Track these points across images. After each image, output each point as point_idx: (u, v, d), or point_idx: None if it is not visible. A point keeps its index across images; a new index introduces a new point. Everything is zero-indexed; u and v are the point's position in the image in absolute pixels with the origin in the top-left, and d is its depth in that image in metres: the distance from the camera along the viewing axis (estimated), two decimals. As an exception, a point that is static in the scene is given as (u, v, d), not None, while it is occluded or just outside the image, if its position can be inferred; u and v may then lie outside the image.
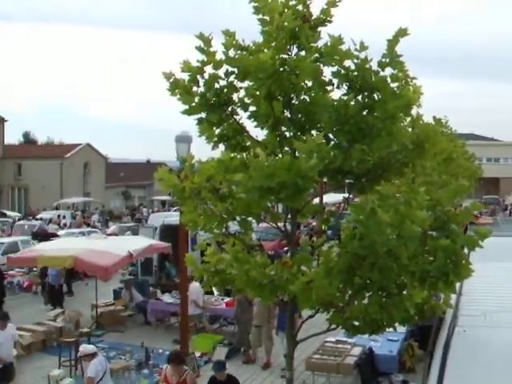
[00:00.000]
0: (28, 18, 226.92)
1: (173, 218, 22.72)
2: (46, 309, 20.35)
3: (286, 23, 6.88)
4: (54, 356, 15.02)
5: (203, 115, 7.37)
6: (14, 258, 19.26)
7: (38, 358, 15.43)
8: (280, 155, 7.25)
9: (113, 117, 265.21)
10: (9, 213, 54.31)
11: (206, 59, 7.20)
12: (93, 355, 10.53)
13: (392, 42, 6.91)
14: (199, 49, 7.16)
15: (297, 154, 6.89)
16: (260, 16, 7.11)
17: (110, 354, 15.35)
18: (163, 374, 9.66)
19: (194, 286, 16.49)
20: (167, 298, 18.34)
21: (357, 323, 7.33)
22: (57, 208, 54.89)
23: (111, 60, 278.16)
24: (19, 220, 45.64)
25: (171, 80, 7.24)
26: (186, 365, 9.83)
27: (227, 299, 17.29)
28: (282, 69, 6.97)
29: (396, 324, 7.40)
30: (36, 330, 16.56)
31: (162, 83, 7.20)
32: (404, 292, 7.06)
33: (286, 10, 6.99)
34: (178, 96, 7.25)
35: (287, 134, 7.43)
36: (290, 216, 7.72)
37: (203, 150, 8.20)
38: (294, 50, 7.15)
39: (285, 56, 7.05)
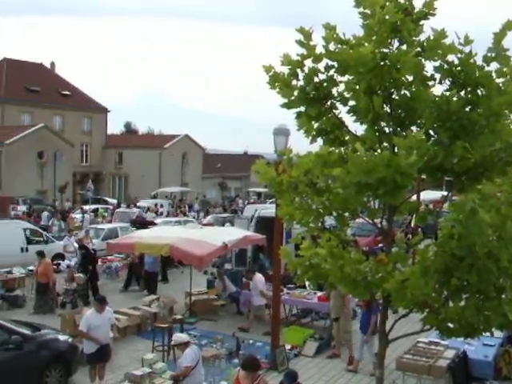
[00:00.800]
0: (141, 12, 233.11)
1: (268, 210, 22.85)
2: (142, 294, 20.92)
3: (387, 16, 6.77)
4: (147, 340, 15.43)
5: (302, 109, 7.36)
6: (113, 243, 19.95)
7: (133, 341, 15.90)
8: (379, 151, 7.15)
9: (211, 108, 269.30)
10: (110, 200, 56.30)
11: (305, 53, 7.18)
12: (185, 344, 10.70)
13: (499, 36, 6.66)
14: (299, 42, 7.15)
15: (396, 149, 6.78)
16: (361, 9, 7.03)
17: (202, 342, 15.66)
18: (235, 376, 9.55)
19: (260, 277, 17.30)
20: (260, 289, 18.45)
21: (452, 325, 7.16)
22: (154, 197, 56.25)
23: (211, 52, 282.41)
24: (118, 207, 47.19)
25: (271, 73, 7.27)
26: (259, 371, 9.55)
27: (319, 293, 17.25)
28: (382, 63, 6.86)
29: (493, 329, 7.17)
30: (132, 314, 17.05)
31: (261, 76, 7.24)
32: (503, 296, 6.83)
33: (387, 3, 6.88)
34: (278, 89, 7.27)
35: (386, 129, 7.33)
36: (386, 213, 7.61)
37: (300, 144, 8.20)
38: (396, 44, 7.02)
39: (386, 50, 6.94)
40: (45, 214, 38.25)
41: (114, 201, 56.77)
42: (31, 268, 20.98)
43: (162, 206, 46.39)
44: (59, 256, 24.31)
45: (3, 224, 25.05)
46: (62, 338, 13.10)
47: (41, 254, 19.16)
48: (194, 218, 41.45)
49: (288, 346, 14.73)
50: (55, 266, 23.30)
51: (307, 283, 16.84)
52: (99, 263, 23.97)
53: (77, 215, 38.70)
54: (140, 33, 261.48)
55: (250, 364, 9.13)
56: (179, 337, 11.09)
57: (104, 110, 74.79)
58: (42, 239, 25.58)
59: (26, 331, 12.34)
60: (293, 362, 14.29)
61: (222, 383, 12.54)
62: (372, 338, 13.44)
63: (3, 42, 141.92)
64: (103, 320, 12.17)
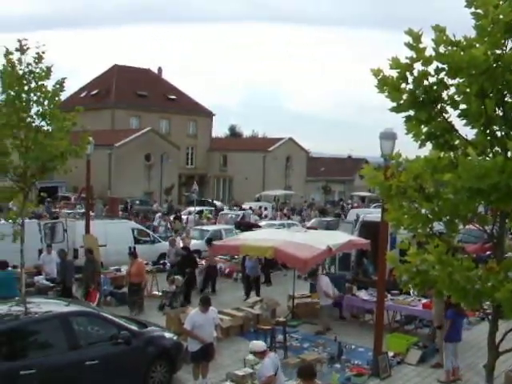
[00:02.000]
0: (245, 17, 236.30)
1: (373, 214, 22.59)
2: (239, 297, 21.23)
3: (501, 16, 6.55)
4: (250, 341, 15.57)
5: (411, 113, 7.23)
6: (218, 245, 20.26)
7: (236, 341, 16.08)
8: (491, 155, 6.93)
9: (314, 112, 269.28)
10: (216, 202, 57.34)
11: (415, 56, 7.06)
12: (263, 353, 10.55)
13: None
14: (408, 45, 7.04)
15: (509, 154, 6.54)
16: (473, 9, 6.83)
17: (304, 345, 15.67)
18: None
19: (324, 278, 17.61)
20: (363, 294, 18.27)
21: None
22: (258, 199, 56.77)
23: (314, 56, 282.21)
24: (222, 209, 48.00)
25: (379, 77, 7.19)
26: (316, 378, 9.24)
27: (424, 300, 16.87)
28: (495, 65, 6.64)
29: None
30: (235, 315, 17.26)
31: (366, 79, 7.18)
32: None
33: (501, 3, 6.65)
34: (386, 93, 7.18)
35: (498, 133, 7.08)
36: (498, 219, 7.35)
37: (405, 147, 8.05)
38: (510, 45, 6.78)
39: (499, 51, 6.71)
40: (158, 215, 39.43)
41: (219, 203, 57.76)
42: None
43: (265, 208, 46.73)
44: (165, 256, 24.89)
45: (113, 224, 26.03)
46: (167, 335, 13.44)
47: (133, 255, 19.44)
48: (298, 221, 41.52)
49: (391, 353, 14.49)
50: (161, 266, 24.01)
51: (412, 290, 16.52)
52: (203, 264, 24.37)
53: (183, 216, 39.70)
54: (246, 36, 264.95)
55: (305, 371, 8.96)
56: (256, 345, 10.85)
57: (209, 114, 76.30)
58: (148, 239, 26.38)
59: (134, 327, 12.75)
60: (395, 369, 14.04)
61: (323, 387, 12.46)
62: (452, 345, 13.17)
63: (114, 49, 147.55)
64: (207, 320, 12.37)
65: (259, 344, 10.90)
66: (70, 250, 22.83)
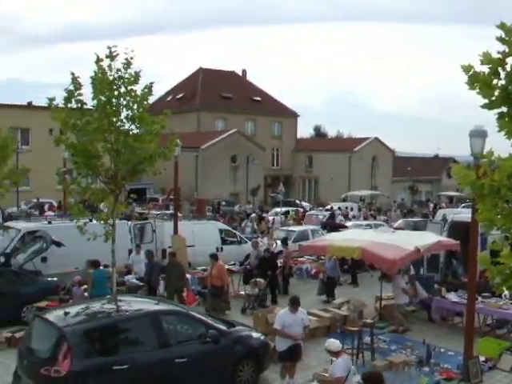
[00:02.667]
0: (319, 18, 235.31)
1: (462, 214, 22.04)
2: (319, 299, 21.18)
3: None
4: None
5: (504, 109, 7.00)
6: (305, 245, 20.25)
7: (322, 342, 15.86)
8: None
9: (399, 111, 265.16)
10: (303, 203, 57.37)
11: (507, 50, 6.83)
12: (337, 353, 10.54)
13: None
14: (500, 39, 6.81)
15: None
16: None
17: (391, 347, 15.47)
18: None
19: (400, 277, 17.62)
20: (453, 296, 17.85)
21: None
22: (344, 200, 56.35)
23: (397, 54, 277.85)
24: (310, 210, 47.94)
25: (470, 73, 6.99)
26: None
27: (517, 304, 16.34)
28: None
29: None
30: (322, 315, 17.23)
31: (453, 76, 6.98)
32: None
33: None
34: (477, 90, 6.97)
35: None
36: None
37: (496, 146, 7.78)
38: None
39: None
40: (253, 215, 39.78)
41: (306, 203, 57.71)
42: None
43: (351, 209, 46.31)
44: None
45: (201, 224, 26.42)
46: (255, 335, 13.56)
47: (214, 257, 19.09)
48: (385, 221, 40.94)
49: (482, 358, 14.08)
50: (247, 267, 24.18)
51: (505, 292, 16.01)
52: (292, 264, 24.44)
53: (269, 217, 39.87)
54: (327, 35, 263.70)
55: (374, 378, 8.70)
56: (332, 343, 10.78)
57: (294, 115, 76.40)
58: (235, 240, 26.64)
59: (222, 326, 12.91)
60: (487, 375, 13.64)
61: (413, 391, 12.27)
62: None
63: (199, 53, 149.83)
64: (296, 320, 12.36)
65: (335, 343, 10.83)
66: (159, 250, 23.41)
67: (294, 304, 12.45)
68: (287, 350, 12.36)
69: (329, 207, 45.63)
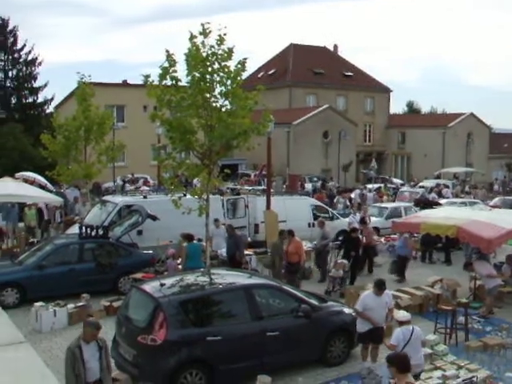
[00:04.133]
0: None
1: None
2: (425, 273, 20.79)
3: None
4: (429, 321, 15.25)
5: None
6: (398, 222, 19.95)
7: (414, 321, 15.71)
8: None
9: (496, 85, 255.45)
10: (394, 180, 56.54)
11: None
12: (401, 322, 10.51)
13: None
14: None
15: None
16: None
17: (486, 329, 15.10)
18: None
19: (481, 262, 17.00)
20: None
21: None
22: (438, 177, 55.10)
23: (495, 25, 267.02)
24: (402, 186, 47.19)
25: None
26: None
27: None
28: None
29: None
30: (414, 293, 16.98)
31: None
32: None
33: None
34: None
35: None
36: None
37: None
38: None
39: None
40: (357, 191, 39.51)
41: (398, 180, 56.82)
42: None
43: (446, 186, 45.18)
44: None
45: (294, 200, 26.44)
46: (346, 310, 13.48)
47: (290, 233, 18.47)
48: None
49: None
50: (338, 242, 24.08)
51: None
52: (382, 241, 24.11)
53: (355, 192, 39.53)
54: (417, 10, 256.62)
55: (400, 361, 8.18)
56: (400, 313, 10.89)
57: (386, 90, 75.03)
58: (327, 215, 26.55)
59: (314, 301, 12.95)
60: None
61: (508, 374, 11.91)
62: None
63: (290, 28, 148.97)
64: (380, 303, 12.04)
65: (403, 314, 10.87)
66: (251, 225, 23.64)
67: (380, 287, 12.15)
68: (367, 333, 12.14)
69: (427, 184, 44.75)
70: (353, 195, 38.62)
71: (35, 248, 19.10)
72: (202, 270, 14.53)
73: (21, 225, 26.29)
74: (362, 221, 22.40)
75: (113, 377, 10.23)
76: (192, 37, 15.01)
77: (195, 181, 23.13)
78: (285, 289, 12.86)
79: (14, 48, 60.76)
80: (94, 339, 8.78)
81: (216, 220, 20.57)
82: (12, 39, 60.73)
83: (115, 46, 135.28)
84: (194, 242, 17.92)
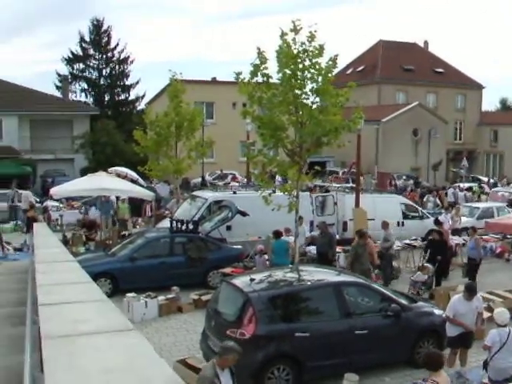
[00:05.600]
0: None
1: None
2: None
3: None
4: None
5: None
6: (492, 223, 19.35)
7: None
8: None
9: None
10: (483, 178, 54.95)
11: None
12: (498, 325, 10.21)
13: None
14: None
15: None
16: None
17: None
18: None
19: None
20: None
21: None
22: (531, 177, 53.14)
23: None
24: (494, 186, 45.80)
25: None
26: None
27: None
28: None
29: None
30: (508, 297, 16.45)
31: None
32: None
33: None
34: None
35: None
36: None
37: None
38: None
39: None
40: (451, 190, 38.65)
41: (492, 179, 55.21)
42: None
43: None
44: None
45: (383, 198, 26.11)
46: (436, 311, 13.20)
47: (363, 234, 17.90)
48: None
49: None
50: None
51: None
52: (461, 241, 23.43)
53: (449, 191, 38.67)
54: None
55: (432, 361, 8.06)
56: (499, 313, 10.50)
57: (479, 87, 72.92)
58: (417, 215, 26.09)
59: (404, 301, 12.75)
60: None
61: None
62: None
63: (379, 24, 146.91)
64: (470, 308, 11.72)
65: (503, 315, 10.49)
66: (340, 222, 23.51)
67: (470, 291, 11.78)
68: (457, 337, 11.82)
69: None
70: (449, 194, 37.79)
71: (127, 241, 19.69)
72: (290, 266, 14.58)
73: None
74: (437, 221, 21.43)
75: (201, 367, 10.39)
76: (283, 34, 15.07)
77: (277, 178, 23.22)
78: (374, 287, 12.75)
79: (108, 47, 62.80)
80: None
81: (300, 218, 20.34)
82: (106, 39, 62.78)
83: (204, 43, 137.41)
84: (281, 238, 17.95)
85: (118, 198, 26.58)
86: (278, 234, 17.76)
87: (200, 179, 42.68)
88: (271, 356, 10.92)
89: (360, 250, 17.10)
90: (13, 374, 7.01)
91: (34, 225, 18.42)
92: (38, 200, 29.45)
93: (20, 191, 31.69)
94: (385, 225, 20.02)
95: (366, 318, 12.05)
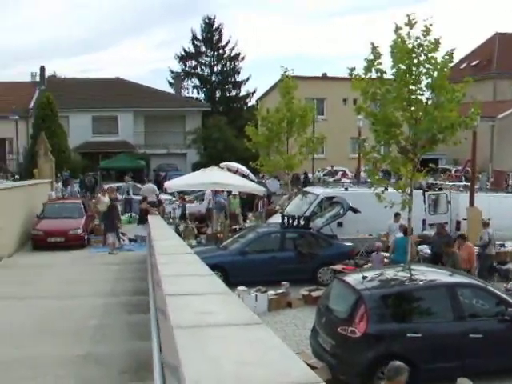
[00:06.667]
0: None
1: None
2: None
3: None
4: None
5: None
6: None
7: None
8: None
9: None
10: None
11: None
12: None
13: None
14: None
15: None
16: None
17: None
18: None
19: None
20: None
21: None
22: None
23: None
24: None
25: None
26: None
27: None
28: None
29: None
30: None
31: None
32: None
33: None
34: None
35: None
36: None
37: None
38: None
39: None
40: None
41: None
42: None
43: None
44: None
45: (499, 197, 25.10)
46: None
47: (462, 237, 17.45)
48: None
49: None
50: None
51: None
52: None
53: None
54: None
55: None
56: None
57: None
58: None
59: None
60: None
61: None
62: None
63: (495, 17, 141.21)
64: None
65: None
66: (453, 221, 22.88)
67: None
68: None
69: None
70: None
71: (239, 235, 20.01)
72: (402, 265, 14.34)
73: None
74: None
75: (309, 364, 10.41)
76: (397, 28, 14.84)
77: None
78: (490, 289, 12.30)
79: (219, 44, 63.94)
80: None
81: (397, 214, 19.19)
82: (217, 36, 63.97)
83: (312, 39, 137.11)
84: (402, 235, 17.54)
85: (229, 192, 27.01)
86: (405, 230, 17.22)
87: (310, 175, 42.68)
88: (381, 355, 10.73)
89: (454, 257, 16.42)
90: (133, 359, 7.34)
91: (149, 217, 19.12)
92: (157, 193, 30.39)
93: (143, 185, 32.82)
94: (484, 224, 19.35)
95: (481, 321, 11.65)
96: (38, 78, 55.75)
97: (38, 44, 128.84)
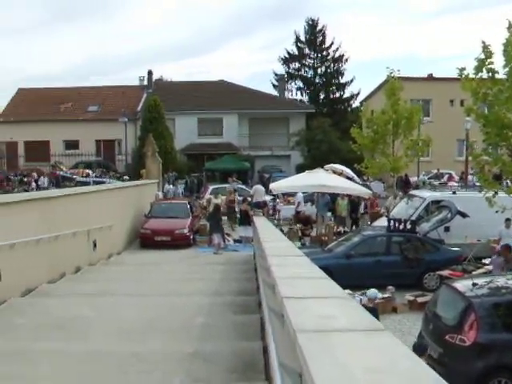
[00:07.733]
0: None
1: None
2: None
3: None
4: None
5: None
6: None
7: None
8: None
9: None
10: None
11: None
12: None
13: None
14: None
15: None
16: None
17: None
18: None
19: None
20: None
21: None
22: None
23: None
24: None
25: None
26: None
27: None
28: None
29: None
30: None
31: None
32: None
33: None
34: None
35: None
36: None
37: None
38: None
39: None
40: None
41: None
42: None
43: None
44: None
45: None
46: None
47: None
48: None
49: None
50: None
51: None
52: None
53: None
54: None
55: None
56: None
57: None
58: None
59: None
60: None
61: None
62: None
63: None
64: None
65: None
66: None
67: None
68: None
69: None
70: None
71: (344, 237, 19.90)
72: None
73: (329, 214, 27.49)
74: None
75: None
76: (510, 25, 14.34)
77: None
78: None
79: (323, 46, 63.74)
80: None
81: (508, 219, 18.53)
82: (321, 38, 63.82)
83: (417, 39, 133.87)
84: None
85: (336, 194, 26.87)
86: None
87: (411, 178, 41.82)
88: (492, 367, 10.35)
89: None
90: (239, 359, 7.43)
91: (255, 218, 19.29)
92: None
93: (247, 186, 33.22)
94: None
95: None
96: (145, 82, 57.63)
97: (147, 49, 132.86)
